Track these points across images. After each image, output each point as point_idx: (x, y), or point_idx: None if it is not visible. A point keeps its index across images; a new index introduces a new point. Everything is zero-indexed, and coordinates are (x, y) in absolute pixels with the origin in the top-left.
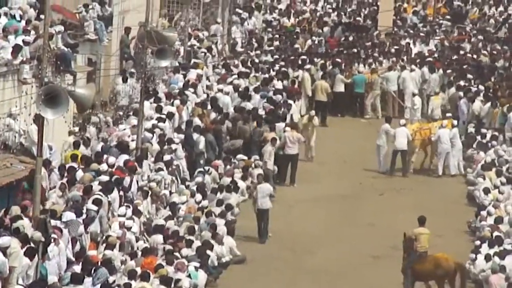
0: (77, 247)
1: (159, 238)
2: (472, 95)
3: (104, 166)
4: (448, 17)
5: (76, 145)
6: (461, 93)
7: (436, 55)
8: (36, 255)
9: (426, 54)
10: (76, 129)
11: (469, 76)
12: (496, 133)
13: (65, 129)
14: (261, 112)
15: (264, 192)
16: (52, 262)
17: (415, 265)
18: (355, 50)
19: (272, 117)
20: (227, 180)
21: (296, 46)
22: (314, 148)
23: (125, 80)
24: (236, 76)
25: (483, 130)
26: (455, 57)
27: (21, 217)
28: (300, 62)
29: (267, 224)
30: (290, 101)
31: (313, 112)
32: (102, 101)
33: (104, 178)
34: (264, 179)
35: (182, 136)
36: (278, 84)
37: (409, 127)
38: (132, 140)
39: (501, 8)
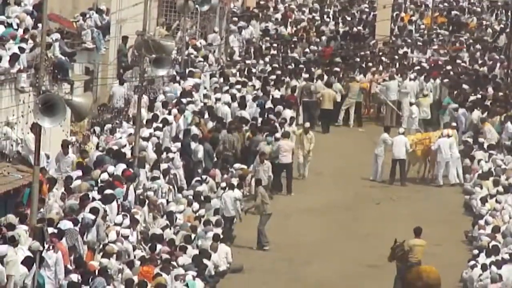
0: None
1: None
2: (471, 105)
3: (105, 176)
4: (445, 26)
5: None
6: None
7: (432, 64)
8: (34, 264)
9: (424, 63)
10: (73, 138)
11: (465, 86)
12: (493, 143)
13: (62, 138)
14: (258, 121)
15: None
16: (49, 271)
17: (405, 274)
18: (357, 59)
19: (268, 126)
20: None
21: (294, 55)
22: (307, 167)
23: (121, 83)
24: (236, 85)
25: (481, 140)
26: (451, 66)
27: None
28: (297, 71)
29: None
30: (288, 110)
31: (307, 124)
32: (99, 107)
33: (108, 191)
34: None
35: (179, 144)
36: (276, 93)
37: (409, 137)
38: (130, 149)
39: (500, 17)
